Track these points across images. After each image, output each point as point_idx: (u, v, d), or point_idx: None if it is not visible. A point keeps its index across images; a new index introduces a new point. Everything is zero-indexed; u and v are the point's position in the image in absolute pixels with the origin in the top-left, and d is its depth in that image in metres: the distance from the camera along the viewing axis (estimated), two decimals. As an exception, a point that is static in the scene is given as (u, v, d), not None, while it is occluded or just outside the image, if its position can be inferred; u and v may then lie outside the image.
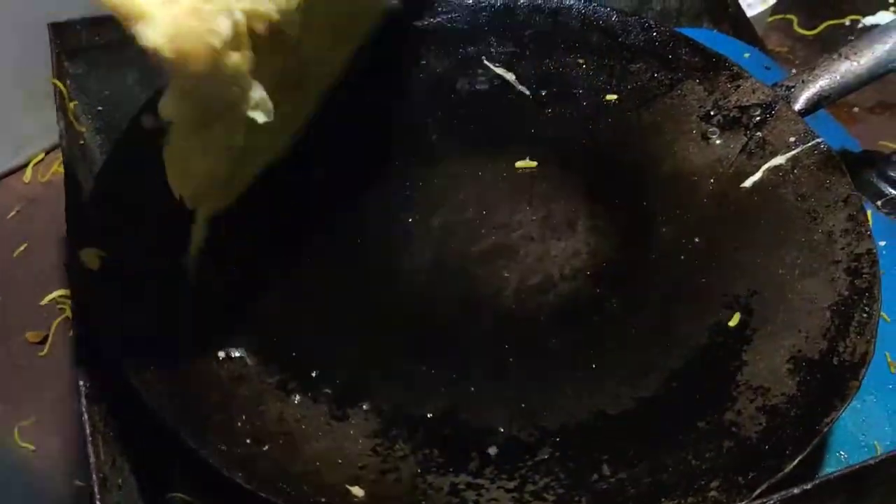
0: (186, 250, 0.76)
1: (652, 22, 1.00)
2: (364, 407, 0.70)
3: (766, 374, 0.71)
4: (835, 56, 0.91)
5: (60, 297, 1.13)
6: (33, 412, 1.04)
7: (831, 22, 1.61)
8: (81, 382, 0.66)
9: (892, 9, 1.66)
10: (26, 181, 1.26)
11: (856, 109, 1.42)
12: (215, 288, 0.76)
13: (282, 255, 0.82)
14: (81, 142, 0.94)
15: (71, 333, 1.09)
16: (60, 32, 0.97)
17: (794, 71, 1.50)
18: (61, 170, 1.28)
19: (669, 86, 0.95)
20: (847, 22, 1.60)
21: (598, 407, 0.71)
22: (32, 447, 1.01)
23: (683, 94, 0.95)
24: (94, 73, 1.02)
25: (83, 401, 0.65)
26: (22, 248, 1.18)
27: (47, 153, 1.27)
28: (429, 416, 0.70)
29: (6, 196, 1.24)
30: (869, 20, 1.63)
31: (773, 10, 1.53)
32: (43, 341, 1.10)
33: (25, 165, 1.26)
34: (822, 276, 0.77)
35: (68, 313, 1.11)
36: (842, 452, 0.80)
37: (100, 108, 1.05)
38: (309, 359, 0.72)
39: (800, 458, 0.63)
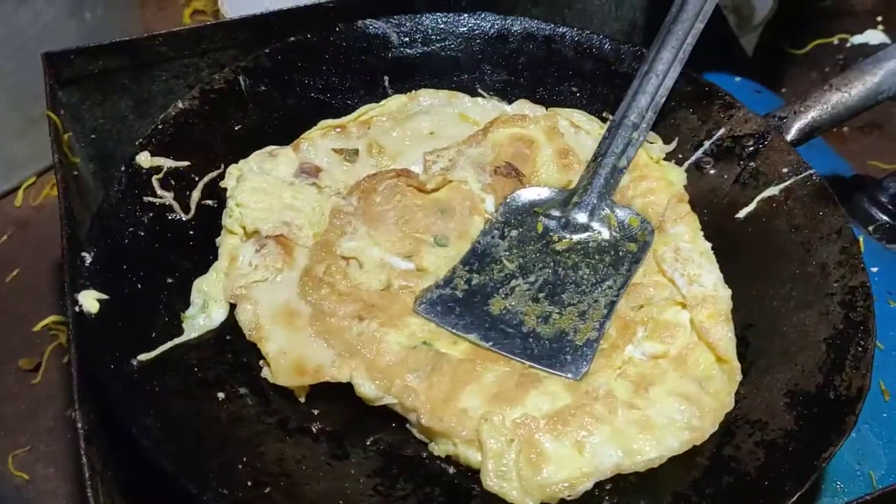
0: (188, 292, 0.77)
1: (645, 50, 1.00)
2: (364, 445, 0.70)
3: (763, 407, 0.72)
4: (826, 87, 0.92)
5: (53, 323, 1.12)
6: (27, 441, 1.03)
7: (820, 41, 1.62)
8: (80, 425, 0.65)
9: (879, 27, 1.68)
10: (17, 205, 1.25)
11: (845, 129, 1.44)
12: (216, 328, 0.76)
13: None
14: (75, 172, 0.93)
15: (65, 360, 1.09)
16: (54, 62, 0.97)
17: (784, 90, 1.52)
18: (53, 193, 1.28)
19: (663, 115, 0.96)
20: (835, 41, 1.62)
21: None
22: (27, 477, 1.00)
23: (677, 124, 0.95)
24: (88, 102, 1.02)
25: (82, 443, 0.65)
26: (14, 273, 1.17)
27: (38, 176, 1.27)
28: (430, 453, 0.70)
29: (-3, 220, 1.24)
30: (857, 39, 1.64)
31: (763, 29, 1.54)
32: (36, 368, 1.09)
33: (16, 189, 1.26)
34: (816, 309, 0.77)
35: (62, 340, 1.10)
36: (838, 483, 0.80)
37: (93, 136, 1.05)
38: (309, 397, 0.72)
39: (799, 494, 0.64)
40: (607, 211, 0.87)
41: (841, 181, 1.04)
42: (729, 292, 0.81)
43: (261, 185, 0.85)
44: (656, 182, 0.88)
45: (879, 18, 1.70)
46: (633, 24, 1.27)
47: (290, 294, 0.78)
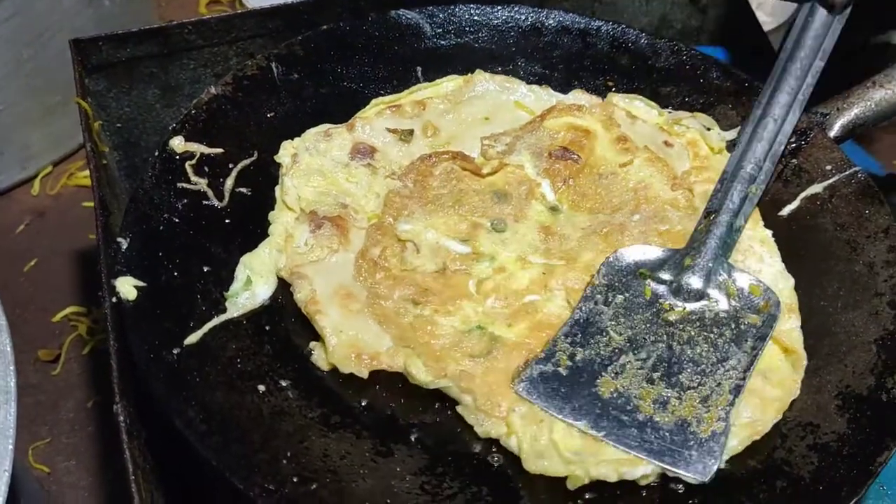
0: (225, 281, 0.75)
1: (681, 45, 0.99)
2: (408, 442, 0.69)
3: (814, 410, 0.71)
4: (869, 84, 0.91)
5: (73, 314, 1.11)
6: (48, 433, 1.02)
7: (841, 41, 1.61)
8: (122, 418, 0.64)
9: (901, 27, 1.67)
10: (34, 194, 1.23)
11: (879, 123, 1.42)
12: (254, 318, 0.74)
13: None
14: (104, 161, 0.92)
15: (85, 351, 1.08)
16: (82, 49, 0.95)
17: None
18: (70, 182, 1.27)
19: (701, 110, 0.94)
20: (859, 39, 1.61)
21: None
22: (47, 470, 0.99)
23: (716, 120, 0.94)
24: (115, 90, 1.01)
25: (124, 437, 0.63)
26: (32, 263, 1.16)
27: (55, 165, 1.25)
28: (475, 450, 0.69)
29: (14, 209, 1.21)
30: (879, 39, 1.63)
31: (788, 28, 1.52)
32: (55, 360, 1.07)
33: (33, 178, 1.24)
34: (865, 309, 0.76)
35: (81, 331, 1.09)
36: (882, 486, 0.79)
37: (119, 125, 1.03)
38: (353, 391, 0.71)
39: (856, 500, 0.63)
40: (725, 276, 0.78)
41: (875, 180, 1.02)
42: (791, 282, 0.79)
43: (317, 166, 0.84)
44: (716, 174, 0.87)
45: (902, 19, 1.70)
46: (662, 19, 1.26)
47: (346, 275, 0.77)
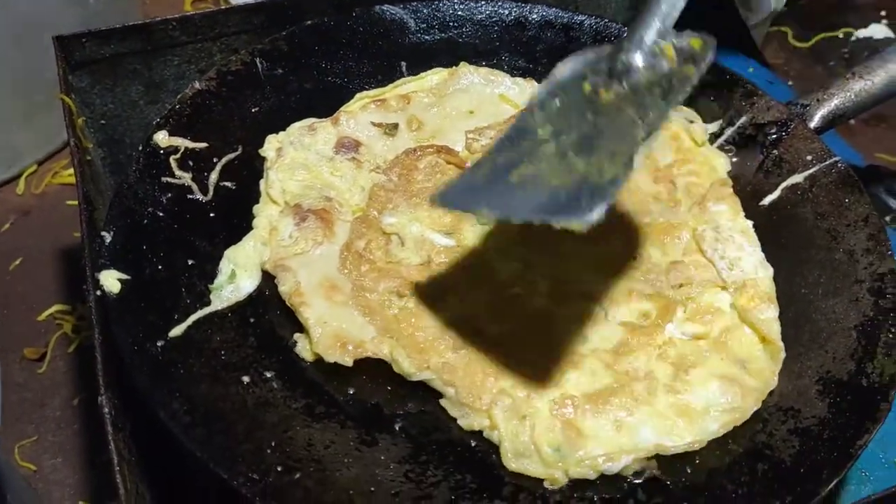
0: (210, 274, 0.75)
1: (664, 38, 0.99)
2: (392, 431, 0.69)
3: (795, 395, 0.71)
4: (848, 75, 0.92)
5: (58, 312, 1.10)
6: (34, 431, 1.01)
7: (824, 34, 1.63)
8: (106, 410, 0.64)
9: (883, 22, 1.69)
10: (19, 193, 1.23)
11: (852, 122, 1.44)
12: (238, 310, 0.75)
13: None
14: (88, 157, 0.92)
15: (70, 349, 1.07)
16: (66, 45, 0.95)
17: (789, 83, 1.52)
18: (55, 181, 1.27)
19: (683, 103, 0.95)
20: (840, 35, 1.62)
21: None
22: (34, 467, 0.98)
23: (698, 112, 0.95)
24: (98, 87, 1.00)
25: (109, 429, 0.63)
26: (17, 261, 1.15)
27: (40, 164, 1.25)
28: (459, 438, 0.69)
29: (-1, 209, 1.22)
30: (861, 33, 1.65)
31: (769, 23, 1.54)
32: (41, 358, 1.07)
33: (18, 177, 1.23)
34: (845, 296, 0.77)
35: (66, 329, 1.09)
36: (863, 471, 0.80)
37: (103, 121, 1.03)
38: (337, 380, 0.71)
39: (836, 481, 0.63)
40: (666, 42, 0.72)
41: (855, 172, 1.03)
42: (771, 271, 0.80)
43: (301, 160, 0.85)
44: (699, 167, 0.88)
45: (883, 13, 1.71)
46: (645, 14, 1.26)
47: (330, 268, 0.77)
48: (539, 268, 0.79)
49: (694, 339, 0.75)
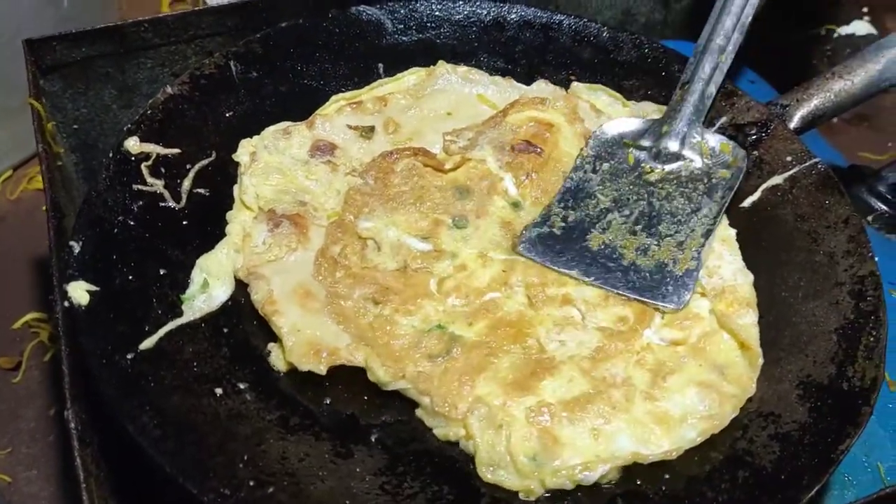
0: (182, 284, 0.74)
1: (643, 38, 0.99)
2: (368, 442, 0.68)
3: (775, 400, 0.71)
4: (828, 75, 0.91)
5: (34, 320, 1.09)
6: (8, 442, 1.00)
7: (807, 32, 1.62)
8: (73, 425, 0.62)
9: (865, 18, 1.68)
10: (-6, 199, 1.22)
11: (835, 121, 1.43)
12: (211, 320, 0.73)
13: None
14: (59, 163, 0.90)
15: (46, 359, 1.06)
16: (36, 49, 0.93)
17: (772, 81, 1.51)
18: (30, 186, 1.24)
19: (663, 103, 0.94)
20: (822, 32, 1.62)
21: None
22: (8, 479, 0.96)
23: (678, 112, 0.94)
24: (70, 91, 0.99)
25: (75, 444, 0.62)
26: (-9, 269, 1.14)
27: (15, 170, 1.23)
28: (436, 449, 0.68)
29: (-26, 215, 1.19)
30: (844, 30, 1.64)
31: (751, 20, 1.53)
32: (16, 367, 1.05)
33: (-7, 183, 1.22)
34: (826, 299, 0.76)
35: (43, 337, 1.07)
36: (847, 475, 0.79)
37: (75, 126, 1.01)
38: (313, 391, 0.70)
39: (818, 488, 0.62)
40: (698, 138, 0.87)
41: (837, 172, 1.02)
42: (750, 278, 0.79)
43: (276, 164, 0.83)
44: None
45: (865, 10, 1.71)
46: (626, 12, 1.25)
47: (305, 274, 0.76)
48: (517, 272, 0.78)
49: (672, 344, 0.74)
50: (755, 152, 0.89)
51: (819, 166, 0.85)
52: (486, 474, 0.65)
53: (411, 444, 0.68)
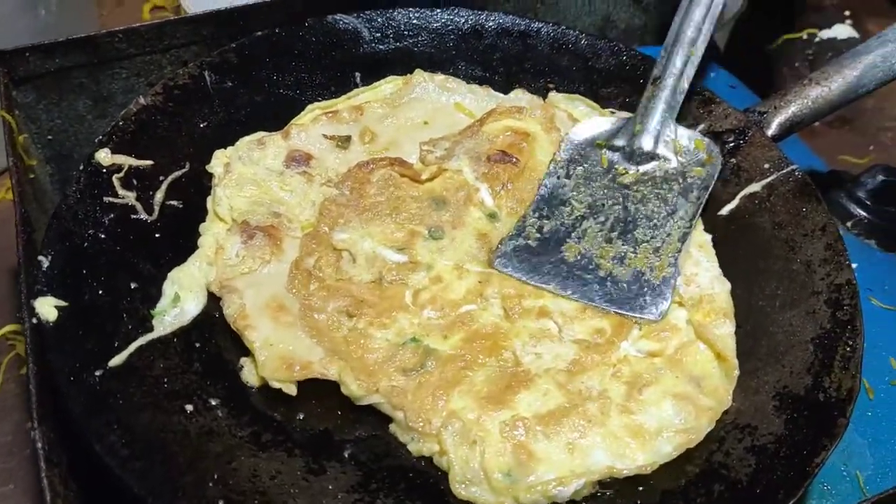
0: (154, 298, 0.73)
1: (621, 45, 0.98)
2: (342, 458, 0.67)
3: (752, 411, 0.70)
4: (805, 82, 0.91)
5: (10, 332, 1.07)
6: (-16, 458, 0.99)
7: (788, 36, 1.62)
8: (39, 444, 0.62)
9: (847, 22, 1.68)
10: (-31, 210, 1.20)
11: (816, 124, 1.43)
12: (183, 335, 0.72)
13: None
14: (31, 175, 0.89)
15: (23, 371, 1.04)
16: (8, 60, 0.92)
17: (754, 85, 1.51)
18: (7, 197, 1.23)
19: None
20: (804, 36, 1.62)
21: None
22: (-16, 495, 0.96)
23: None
24: (44, 102, 0.97)
25: (42, 464, 0.61)
26: (-34, 280, 1.12)
27: (-9, 179, 1.22)
28: (411, 464, 0.67)
29: (-54, 225, 1.18)
30: (825, 34, 1.64)
31: (733, 25, 1.53)
32: (-8, 380, 1.04)
33: (-35, 192, 1.20)
34: (802, 308, 0.76)
35: (19, 350, 1.05)
36: (825, 485, 0.79)
37: (50, 137, 1.00)
38: (286, 408, 0.69)
39: (793, 501, 0.62)
40: (672, 136, 0.86)
41: (817, 177, 1.03)
42: (727, 286, 0.79)
43: (250, 175, 0.83)
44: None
45: (847, 13, 1.71)
46: (606, 19, 1.25)
47: (278, 287, 0.75)
48: (493, 283, 0.78)
49: (649, 356, 0.74)
50: (733, 160, 0.88)
51: (796, 173, 0.85)
52: (460, 491, 0.65)
53: (385, 459, 0.68)
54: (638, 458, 0.66)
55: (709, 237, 0.83)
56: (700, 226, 0.84)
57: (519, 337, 0.74)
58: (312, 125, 0.89)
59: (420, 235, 0.81)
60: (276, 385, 0.68)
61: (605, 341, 0.74)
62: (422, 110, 0.93)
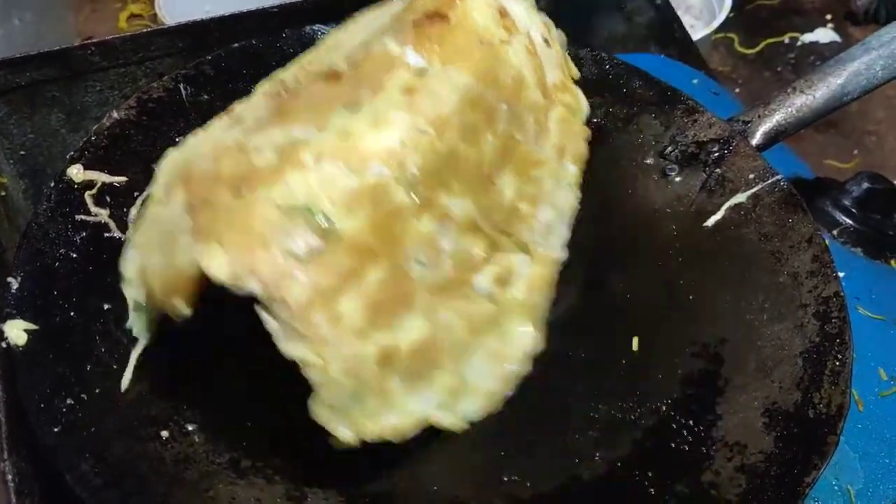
0: (124, 320, 0.71)
1: (605, 55, 0.97)
2: (323, 484, 0.65)
3: (741, 429, 0.69)
4: (789, 90, 0.90)
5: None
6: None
7: (770, 40, 1.63)
8: (10, 477, 0.59)
9: (829, 26, 1.69)
10: (-58, 225, 1.17)
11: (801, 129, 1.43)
12: (159, 359, 0.70)
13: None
14: (3, 193, 0.87)
15: None
16: (-23, 74, 0.90)
17: (737, 90, 1.51)
18: (-18, 211, 1.21)
19: (626, 120, 0.93)
20: (786, 40, 1.62)
21: (572, 472, 0.68)
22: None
23: (640, 130, 0.92)
24: (16, 116, 0.95)
25: (13, 498, 0.59)
26: (-60, 298, 1.10)
27: (-35, 194, 1.19)
28: (394, 491, 0.66)
29: (-81, 242, 1.15)
30: (807, 37, 1.64)
31: (715, 30, 1.53)
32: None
33: (-60, 207, 1.18)
34: (790, 321, 0.75)
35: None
36: (816, 500, 0.78)
37: (22, 152, 0.98)
38: (263, 434, 0.67)
39: (783, 523, 0.61)
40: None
41: (802, 185, 1.02)
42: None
43: None
44: (574, 103, 0.83)
45: (829, 17, 1.71)
46: (588, 25, 1.24)
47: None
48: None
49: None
50: (718, 170, 0.87)
51: (782, 183, 0.84)
52: (319, 412, 0.58)
53: (369, 485, 0.66)
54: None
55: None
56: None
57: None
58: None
59: (333, 113, 0.65)
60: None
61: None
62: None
